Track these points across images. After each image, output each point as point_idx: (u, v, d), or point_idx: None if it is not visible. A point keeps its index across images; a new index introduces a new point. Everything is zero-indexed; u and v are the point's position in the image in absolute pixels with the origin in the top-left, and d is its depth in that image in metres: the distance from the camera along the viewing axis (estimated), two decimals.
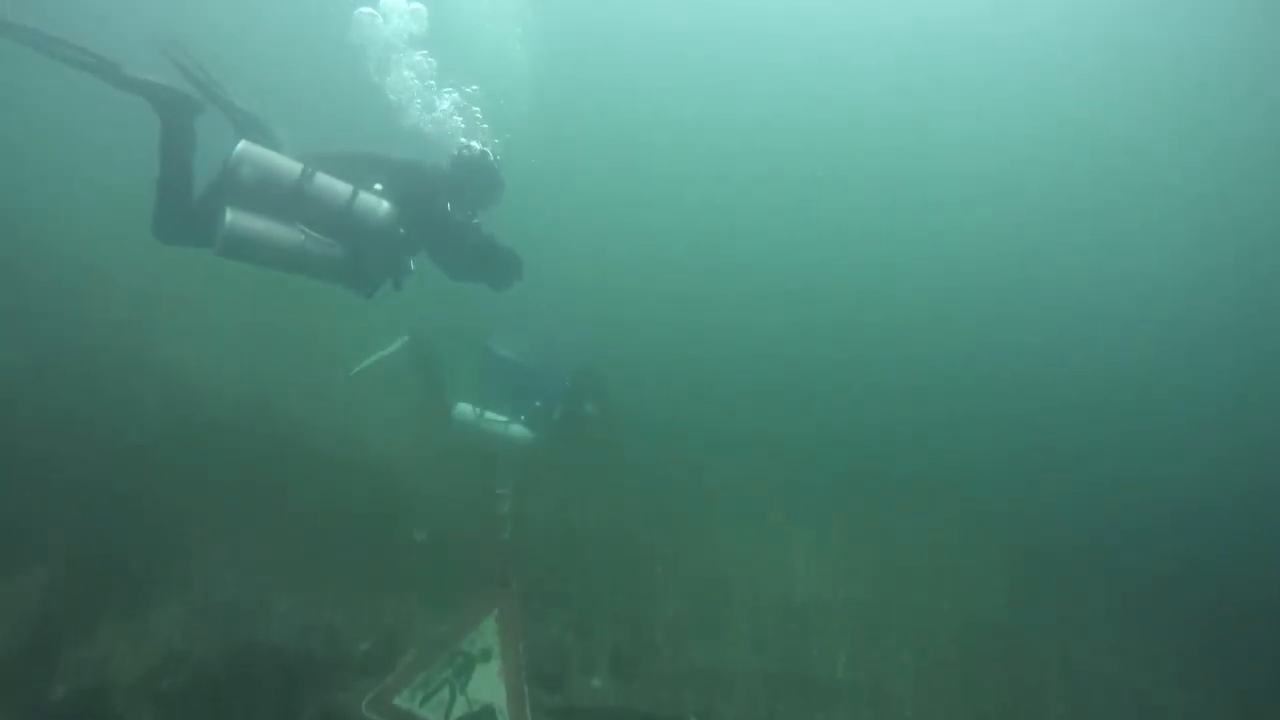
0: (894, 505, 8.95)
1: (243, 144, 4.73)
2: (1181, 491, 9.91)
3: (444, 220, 5.03)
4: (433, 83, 6.22)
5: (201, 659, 4.08)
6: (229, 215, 4.64)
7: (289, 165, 4.82)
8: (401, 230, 4.86)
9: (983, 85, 18.89)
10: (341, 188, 4.82)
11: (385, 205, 4.84)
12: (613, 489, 7.84)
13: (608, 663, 5.00)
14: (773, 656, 5.64)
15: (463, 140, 5.39)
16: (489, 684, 3.40)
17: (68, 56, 4.49)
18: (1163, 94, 17.97)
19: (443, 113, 6.11)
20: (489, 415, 7.20)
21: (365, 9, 6.03)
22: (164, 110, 4.72)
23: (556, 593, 5.79)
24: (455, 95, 6.26)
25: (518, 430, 7.21)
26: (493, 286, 5.28)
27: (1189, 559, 8.34)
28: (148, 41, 4.79)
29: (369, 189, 4.87)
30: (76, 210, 10.14)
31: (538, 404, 7.34)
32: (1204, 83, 17.35)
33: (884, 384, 12.27)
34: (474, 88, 6.34)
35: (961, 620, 6.83)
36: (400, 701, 3.32)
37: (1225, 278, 16.02)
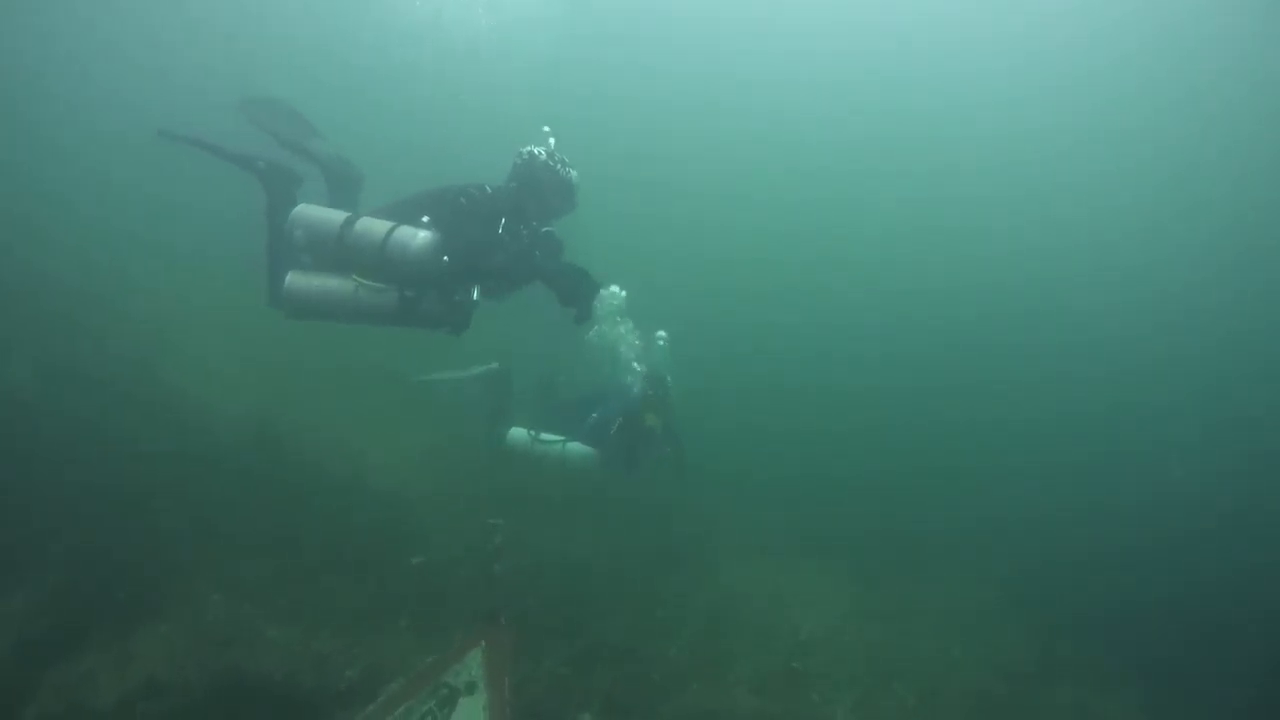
0: (908, 549, 8.77)
1: (298, 208, 4.86)
2: (1206, 542, 9.64)
3: (493, 241, 4.72)
4: None
5: (184, 684, 3.99)
6: (288, 279, 4.77)
7: (333, 217, 4.85)
8: (445, 258, 4.67)
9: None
10: (378, 227, 4.77)
11: (421, 236, 4.71)
12: (622, 525, 7.73)
13: (603, 701, 4.87)
14: (773, 699, 5.47)
15: (519, 149, 5.09)
16: (473, 719, 3.27)
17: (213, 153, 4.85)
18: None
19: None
20: (544, 437, 6.82)
21: None
22: (268, 183, 4.92)
23: (556, 627, 5.66)
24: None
25: (575, 449, 6.79)
26: (575, 317, 4.94)
27: (1212, 611, 8.07)
28: (236, 104, 5.05)
29: (415, 223, 4.78)
30: (94, 229, 10.32)
31: (594, 416, 6.96)
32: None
33: (903, 431, 12.11)
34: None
35: (972, 667, 6.61)
36: None
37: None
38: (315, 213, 4.89)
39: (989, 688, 6.30)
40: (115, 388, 6.63)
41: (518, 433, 6.85)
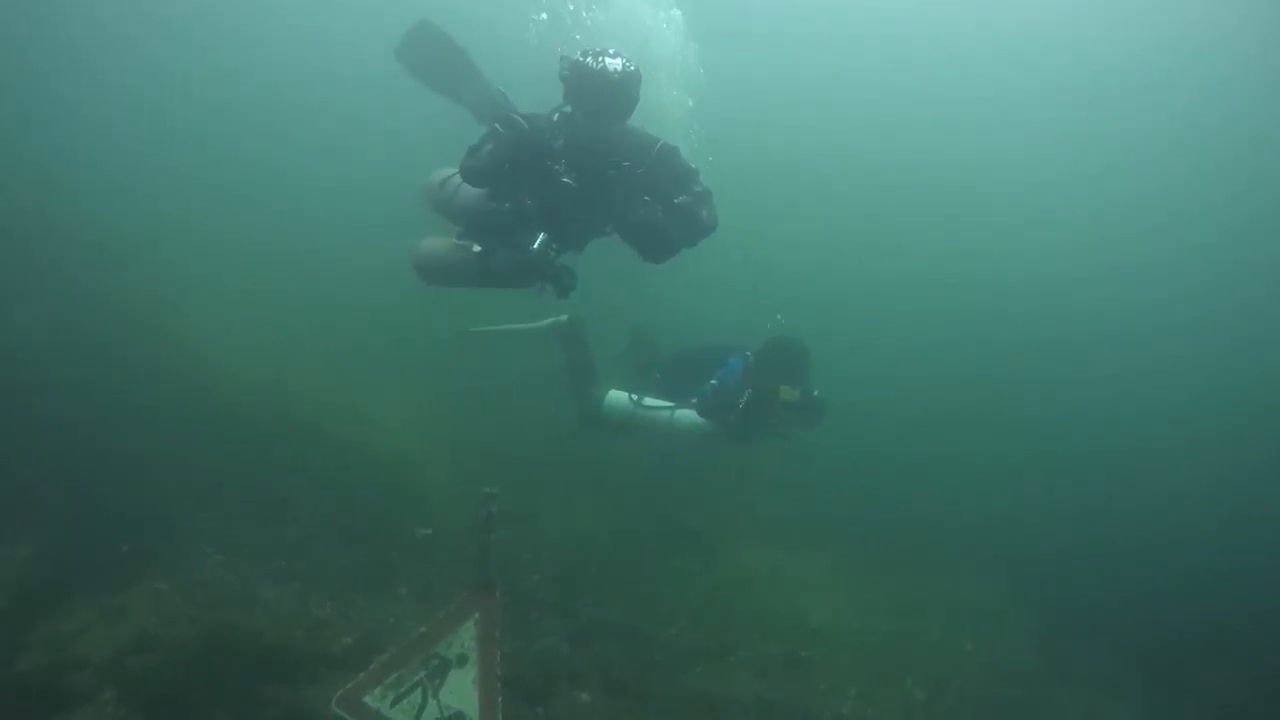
0: (913, 539, 8.61)
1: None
2: (1223, 542, 9.39)
3: (539, 167, 4.22)
4: None
5: (175, 640, 3.94)
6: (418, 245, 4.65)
7: (433, 179, 4.71)
8: (493, 202, 4.34)
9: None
10: (451, 178, 4.55)
11: (454, 179, 4.50)
12: (629, 501, 7.63)
13: (600, 679, 4.77)
14: (775, 686, 5.36)
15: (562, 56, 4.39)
16: (462, 691, 3.19)
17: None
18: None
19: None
20: (647, 403, 6.00)
21: None
22: None
23: (555, 603, 5.57)
24: None
25: (685, 416, 5.93)
26: (642, 253, 4.35)
27: (1228, 615, 7.85)
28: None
29: None
30: (106, 184, 10.31)
31: (713, 383, 6.04)
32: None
33: (919, 419, 11.90)
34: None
35: (982, 664, 6.46)
36: (370, 701, 3.13)
37: None
38: (438, 173, 4.71)
39: (998, 688, 6.16)
40: (121, 347, 6.59)
41: (617, 396, 6.03)
